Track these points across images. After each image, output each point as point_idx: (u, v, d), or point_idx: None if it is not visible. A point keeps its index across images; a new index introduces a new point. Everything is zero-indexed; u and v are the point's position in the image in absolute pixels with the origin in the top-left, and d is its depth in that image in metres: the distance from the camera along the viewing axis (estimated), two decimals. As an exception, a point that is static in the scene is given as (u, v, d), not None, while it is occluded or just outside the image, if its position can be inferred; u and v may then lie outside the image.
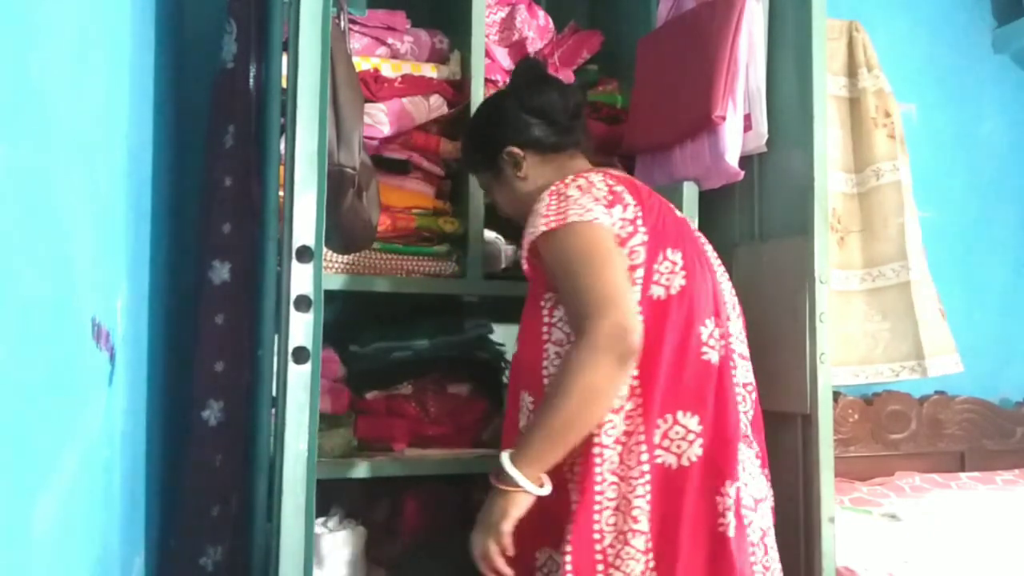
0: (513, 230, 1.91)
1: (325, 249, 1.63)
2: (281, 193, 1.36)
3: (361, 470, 1.69)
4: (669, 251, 1.33)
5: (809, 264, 1.59)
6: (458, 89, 1.86)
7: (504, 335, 2.09)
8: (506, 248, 1.87)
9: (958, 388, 2.75)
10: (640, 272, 1.30)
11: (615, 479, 1.26)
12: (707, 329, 1.33)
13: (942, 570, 1.83)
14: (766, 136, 1.70)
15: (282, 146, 1.37)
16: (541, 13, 1.97)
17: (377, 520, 1.81)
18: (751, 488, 1.32)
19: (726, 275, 1.45)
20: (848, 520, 2.08)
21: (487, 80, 1.85)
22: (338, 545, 1.66)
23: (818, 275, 1.58)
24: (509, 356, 1.99)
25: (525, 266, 1.38)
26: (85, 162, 0.94)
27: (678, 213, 1.46)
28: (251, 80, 1.60)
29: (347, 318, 1.96)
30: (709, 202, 1.83)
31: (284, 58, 1.40)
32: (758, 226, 1.78)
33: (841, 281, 2.36)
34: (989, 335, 2.83)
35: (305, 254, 1.23)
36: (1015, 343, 2.92)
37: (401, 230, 1.77)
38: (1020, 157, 2.99)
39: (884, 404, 2.67)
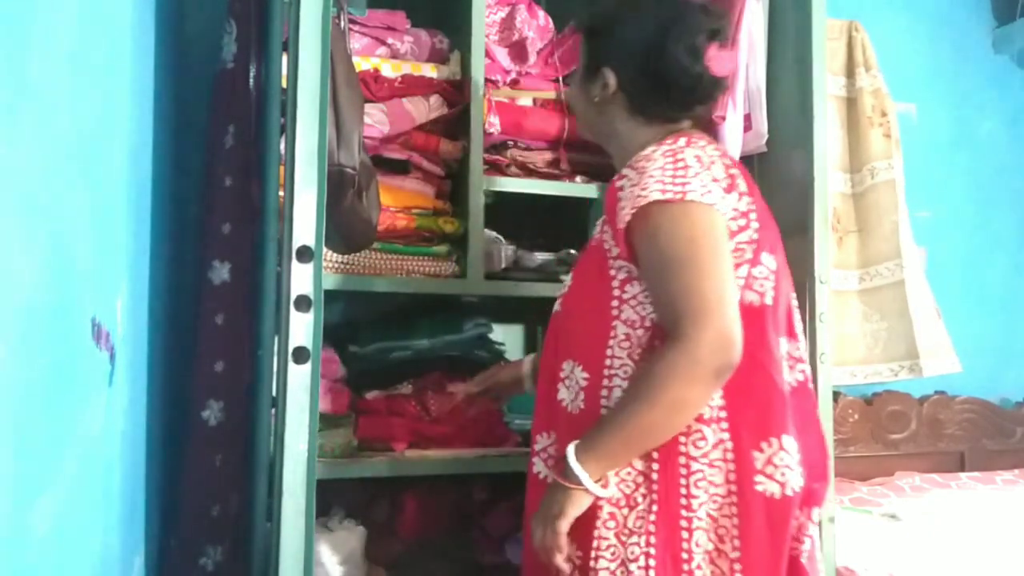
0: (513, 230, 1.91)
1: (325, 249, 1.63)
2: (281, 193, 1.36)
3: (361, 470, 1.69)
4: (766, 255, 1.22)
5: (809, 264, 1.59)
6: (458, 89, 1.86)
7: (504, 335, 2.09)
8: (506, 248, 1.87)
9: (958, 388, 2.75)
10: (742, 271, 1.19)
11: (705, 497, 1.15)
12: (792, 345, 1.26)
13: (942, 570, 1.83)
14: (766, 136, 1.70)
15: (282, 146, 1.37)
16: (541, 13, 1.97)
17: (377, 520, 1.81)
18: None
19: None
20: (848, 520, 2.08)
21: (487, 80, 1.85)
22: (338, 545, 1.67)
23: (818, 275, 1.58)
24: (509, 356, 2.00)
25: (619, 225, 1.18)
26: (85, 162, 0.94)
27: None
28: (251, 80, 1.60)
29: (347, 318, 1.96)
30: (709, 202, 1.82)
31: (284, 58, 1.40)
32: (758, 226, 1.78)
33: (840, 281, 2.37)
34: (989, 335, 2.83)
35: (305, 254, 1.23)
36: (1015, 343, 2.92)
37: (401, 230, 1.77)
38: (1020, 157, 2.99)
39: (884, 404, 2.67)
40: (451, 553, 1.80)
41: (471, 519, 1.87)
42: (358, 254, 1.72)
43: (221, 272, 1.57)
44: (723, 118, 1.65)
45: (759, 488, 1.15)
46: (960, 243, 2.87)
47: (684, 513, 1.15)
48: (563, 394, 1.26)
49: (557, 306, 1.33)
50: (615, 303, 1.21)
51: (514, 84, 1.92)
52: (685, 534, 1.14)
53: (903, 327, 2.32)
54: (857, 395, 2.65)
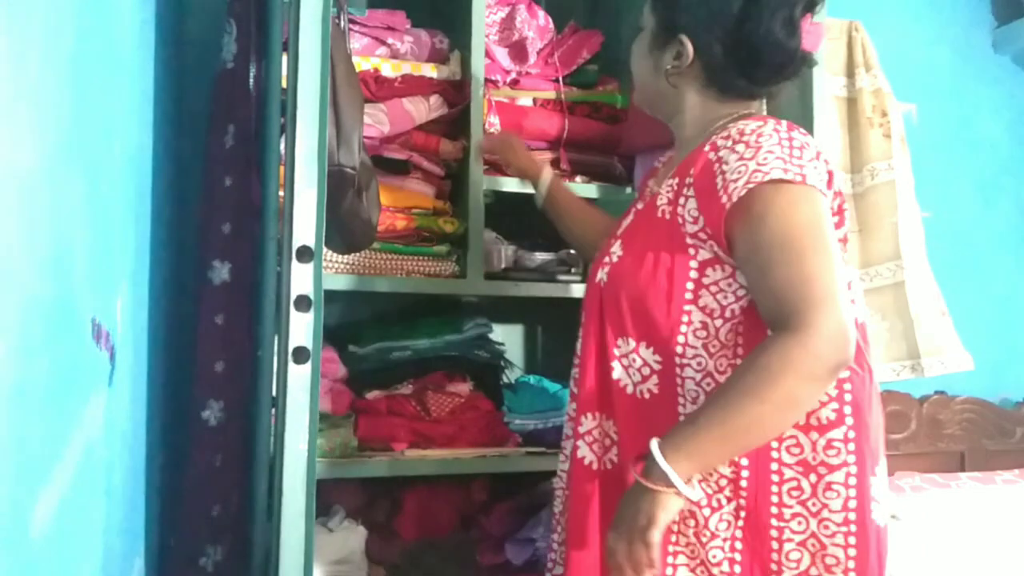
0: (514, 230, 1.91)
1: (325, 249, 1.63)
2: (281, 193, 1.36)
3: (361, 470, 1.69)
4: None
5: (809, 264, 1.59)
6: (458, 89, 1.86)
7: (504, 335, 2.09)
8: (506, 248, 1.87)
9: (958, 388, 2.75)
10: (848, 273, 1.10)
11: (803, 511, 1.07)
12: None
13: (942, 570, 1.83)
14: (766, 136, 1.70)
15: (282, 146, 1.37)
16: (541, 13, 1.97)
17: (377, 520, 1.81)
18: None
19: None
20: (848, 520, 2.07)
21: (487, 80, 1.85)
22: (338, 545, 1.66)
23: (818, 275, 1.58)
24: (509, 356, 2.00)
25: (725, 200, 1.06)
26: (85, 162, 0.94)
27: None
28: (251, 80, 1.60)
29: (347, 318, 1.96)
30: (709, 202, 1.82)
31: (284, 58, 1.40)
32: (758, 226, 1.78)
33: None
34: (989, 335, 2.83)
35: (305, 254, 1.23)
36: (1015, 343, 2.92)
37: (401, 230, 1.77)
38: (1020, 157, 2.99)
39: (884, 404, 2.65)
40: (451, 553, 1.80)
41: (471, 519, 1.87)
42: (358, 254, 1.72)
43: (221, 272, 1.57)
44: (723, 118, 1.65)
45: (874, 516, 1.09)
46: (960, 243, 2.87)
47: (775, 523, 1.07)
48: (620, 374, 1.15)
49: (602, 275, 1.19)
50: (691, 286, 1.10)
51: (514, 84, 1.92)
52: (775, 544, 1.06)
53: (904, 327, 2.32)
54: (857, 395, 2.65)
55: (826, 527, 1.06)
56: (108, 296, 1.08)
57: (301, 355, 1.23)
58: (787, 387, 0.99)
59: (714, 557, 1.08)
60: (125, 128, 1.19)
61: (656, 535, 1.00)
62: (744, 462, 1.07)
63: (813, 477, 1.07)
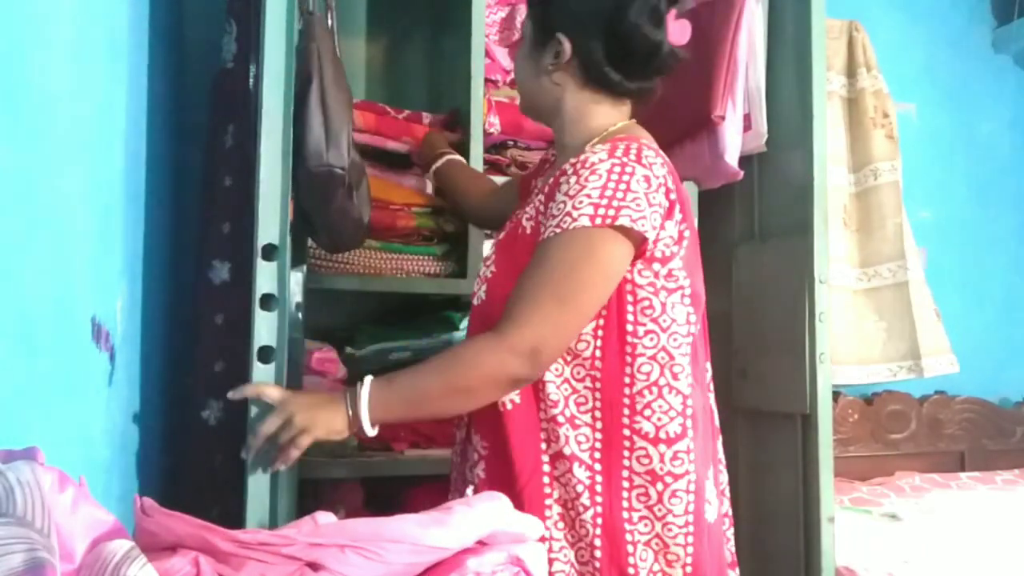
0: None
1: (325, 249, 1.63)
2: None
3: (361, 470, 1.69)
4: (693, 280, 1.21)
5: (809, 264, 1.59)
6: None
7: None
8: (506, 248, 1.86)
9: (958, 388, 2.75)
10: (682, 296, 1.18)
11: (649, 515, 1.17)
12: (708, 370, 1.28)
13: (942, 570, 1.83)
14: (766, 136, 1.70)
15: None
16: (541, 13, 1.97)
17: (377, 520, 1.81)
18: None
19: None
20: (848, 520, 2.08)
21: (487, 80, 1.85)
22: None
23: (818, 275, 1.58)
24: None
25: (540, 237, 1.15)
26: (85, 162, 0.94)
27: None
28: (251, 80, 1.60)
29: (347, 318, 1.96)
30: (709, 202, 1.83)
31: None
32: (758, 226, 1.78)
33: (838, 279, 2.37)
34: (989, 335, 2.84)
35: (271, 252, 1.21)
36: (1015, 343, 2.92)
37: (400, 228, 1.77)
38: (1020, 157, 2.99)
39: (884, 404, 2.67)
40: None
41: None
42: (358, 254, 1.72)
43: (221, 272, 1.57)
44: (723, 118, 1.65)
45: (707, 516, 1.20)
46: (960, 243, 2.87)
47: (627, 527, 1.15)
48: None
49: (481, 293, 1.25)
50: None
51: (514, 84, 1.92)
52: (629, 548, 1.15)
53: (904, 328, 2.33)
54: (857, 395, 2.65)
55: (669, 529, 1.16)
56: (108, 296, 1.08)
57: (266, 354, 1.21)
58: (467, 379, 1.12)
59: (581, 557, 1.16)
60: (125, 128, 1.19)
61: (308, 442, 1.13)
62: (598, 468, 1.16)
63: (660, 485, 1.15)
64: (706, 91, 1.65)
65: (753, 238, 1.79)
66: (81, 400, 0.94)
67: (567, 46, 1.23)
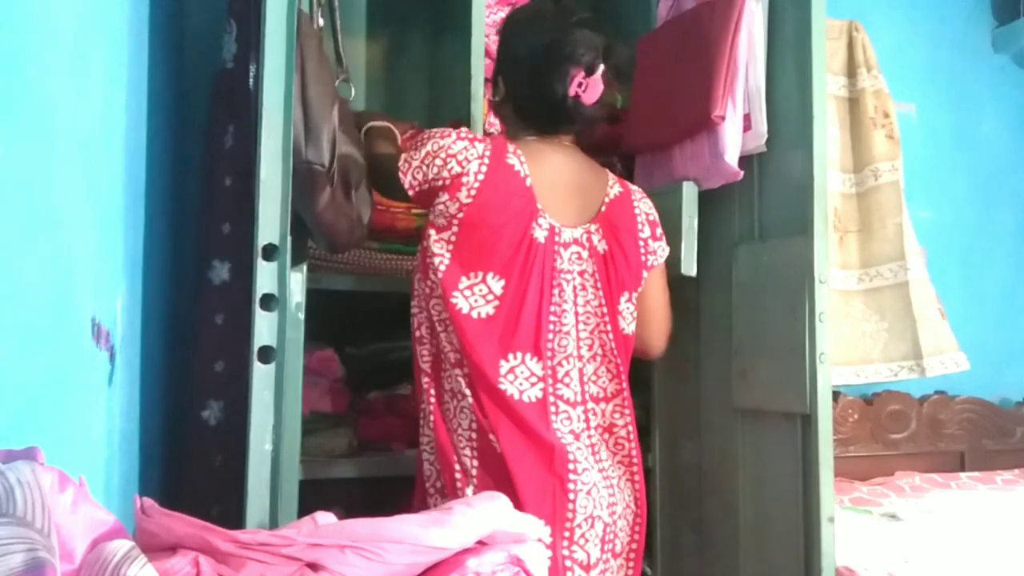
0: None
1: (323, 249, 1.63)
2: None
3: (361, 470, 1.69)
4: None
5: (809, 264, 1.59)
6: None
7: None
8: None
9: (958, 388, 2.75)
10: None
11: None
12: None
13: (942, 570, 1.83)
14: (765, 136, 1.70)
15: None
16: (541, 13, 1.97)
17: (377, 520, 1.81)
18: None
19: None
20: (848, 520, 2.08)
21: (487, 80, 1.85)
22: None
23: (818, 275, 1.58)
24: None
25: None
26: (85, 162, 0.94)
27: None
28: (251, 80, 1.60)
29: (347, 318, 1.96)
30: (709, 202, 1.83)
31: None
32: (758, 226, 1.78)
33: (840, 280, 2.37)
34: (989, 335, 2.83)
35: (271, 252, 1.21)
36: (1015, 343, 2.92)
37: (401, 230, 1.77)
38: (1020, 157, 2.99)
39: (884, 404, 2.67)
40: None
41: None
42: (358, 254, 1.72)
43: (221, 272, 1.57)
44: (722, 118, 1.65)
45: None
46: (960, 243, 2.87)
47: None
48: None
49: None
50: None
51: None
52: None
53: (905, 328, 2.32)
54: (857, 395, 2.65)
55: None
56: (108, 296, 1.08)
57: (266, 354, 1.21)
58: None
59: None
60: (125, 128, 1.19)
61: None
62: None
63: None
64: (706, 91, 1.65)
65: (753, 238, 1.79)
66: (81, 400, 0.94)
67: (502, 87, 1.48)
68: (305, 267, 1.42)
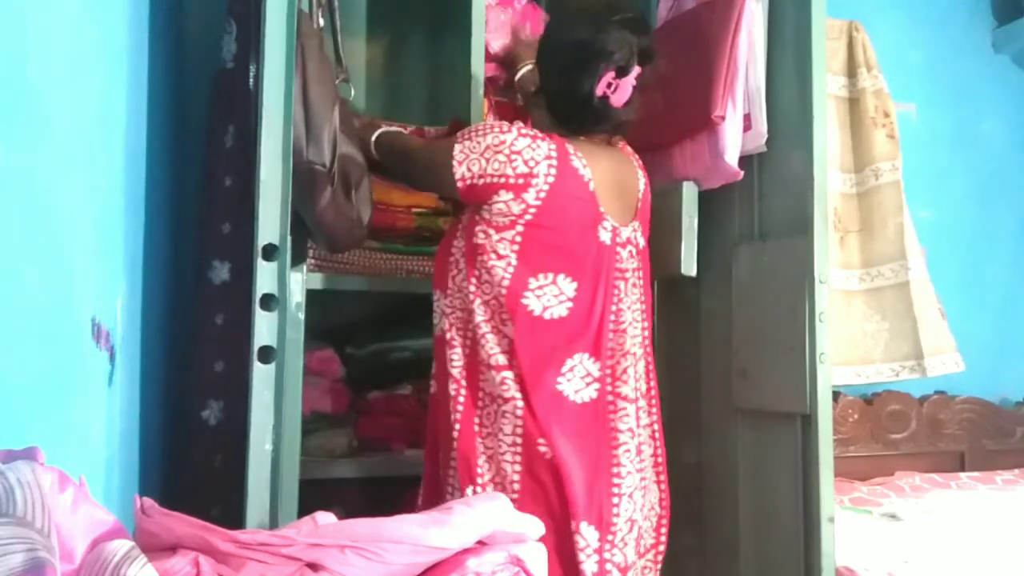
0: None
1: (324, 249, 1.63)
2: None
3: (361, 470, 1.69)
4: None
5: (809, 264, 1.59)
6: (458, 89, 1.85)
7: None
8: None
9: (958, 388, 2.75)
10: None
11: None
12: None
13: (942, 570, 1.83)
14: (765, 136, 1.70)
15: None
16: (541, 13, 1.97)
17: (377, 520, 1.81)
18: None
19: None
20: (848, 520, 2.07)
21: (487, 80, 1.85)
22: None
23: (818, 275, 1.58)
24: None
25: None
26: (85, 162, 0.94)
27: None
28: (251, 80, 1.60)
29: (347, 318, 1.96)
30: (709, 202, 1.83)
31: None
32: (758, 226, 1.78)
33: (841, 280, 2.37)
34: (989, 335, 2.83)
35: (271, 252, 1.21)
36: (1015, 343, 2.92)
37: (401, 230, 1.77)
38: (1020, 157, 2.99)
39: (884, 404, 2.67)
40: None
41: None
42: (358, 254, 1.71)
43: (221, 272, 1.57)
44: (722, 118, 1.65)
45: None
46: (960, 243, 2.87)
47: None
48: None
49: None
50: None
51: (514, 84, 1.92)
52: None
53: (906, 328, 2.33)
54: (857, 395, 2.65)
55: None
56: (108, 296, 1.08)
57: (266, 354, 1.21)
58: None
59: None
60: (125, 128, 1.19)
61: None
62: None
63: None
64: (706, 91, 1.65)
65: (753, 238, 1.79)
66: (81, 400, 0.94)
67: (539, 79, 1.48)
68: (305, 267, 1.42)
